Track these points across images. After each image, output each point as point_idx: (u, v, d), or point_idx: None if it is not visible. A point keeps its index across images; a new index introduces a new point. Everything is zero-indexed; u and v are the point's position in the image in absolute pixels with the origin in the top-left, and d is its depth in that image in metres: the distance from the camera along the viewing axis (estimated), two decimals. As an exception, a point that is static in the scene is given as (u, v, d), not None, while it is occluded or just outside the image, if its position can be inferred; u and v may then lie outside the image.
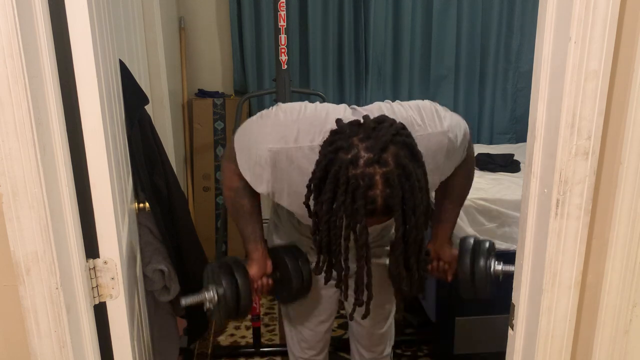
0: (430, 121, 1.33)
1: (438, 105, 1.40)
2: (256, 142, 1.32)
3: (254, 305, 2.51)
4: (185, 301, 1.44)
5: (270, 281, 1.54)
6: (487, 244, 1.51)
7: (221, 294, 1.41)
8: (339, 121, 1.18)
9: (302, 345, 1.77)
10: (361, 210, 1.08)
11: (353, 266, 1.19)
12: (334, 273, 1.24)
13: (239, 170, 1.40)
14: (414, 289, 1.23)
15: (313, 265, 1.32)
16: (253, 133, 1.35)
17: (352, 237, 1.12)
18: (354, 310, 1.27)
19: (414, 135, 1.23)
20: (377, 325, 1.76)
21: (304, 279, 1.49)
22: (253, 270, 1.51)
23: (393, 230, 1.14)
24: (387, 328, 1.80)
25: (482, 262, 1.47)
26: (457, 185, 1.53)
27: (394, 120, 1.16)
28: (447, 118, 1.36)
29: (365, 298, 1.22)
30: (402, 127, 1.16)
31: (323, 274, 1.28)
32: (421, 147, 1.23)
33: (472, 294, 1.50)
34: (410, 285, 1.21)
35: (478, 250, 1.49)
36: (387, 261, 1.53)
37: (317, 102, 1.41)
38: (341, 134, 1.14)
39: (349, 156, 1.08)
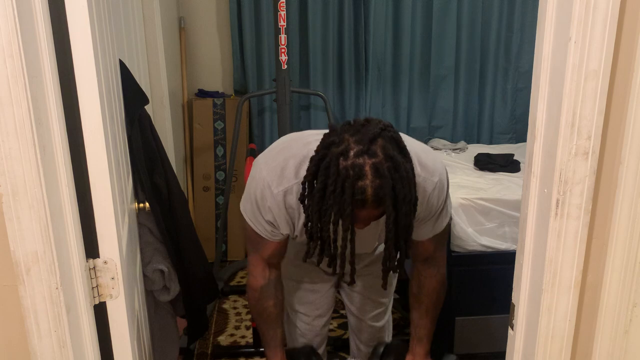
0: (425, 165, 1.33)
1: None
2: (261, 196, 1.34)
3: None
4: None
5: None
6: None
7: None
8: (331, 124, 1.23)
9: (300, 341, 1.78)
10: (348, 200, 1.11)
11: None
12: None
13: (264, 255, 1.44)
14: (400, 268, 1.30)
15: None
16: (254, 191, 1.37)
17: (340, 222, 1.15)
18: (342, 278, 1.34)
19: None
20: (374, 318, 1.79)
21: None
22: None
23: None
24: (385, 322, 1.82)
25: None
26: (431, 291, 1.54)
27: (381, 119, 1.20)
28: (439, 173, 1.36)
29: (349, 272, 1.29)
30: (389, 124, 1.19)
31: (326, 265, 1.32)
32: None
33: None
34: (398, 264, 1.28)
35: None
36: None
37: (295, 132, 1.47)
38: (333, 132, 1.18)
39: (340, 149, 1.13)
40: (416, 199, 1.19)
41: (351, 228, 1.15)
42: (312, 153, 1.24)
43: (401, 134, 1.32)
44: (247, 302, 3.00)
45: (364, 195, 1.11)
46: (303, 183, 1.21)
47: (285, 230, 1.39)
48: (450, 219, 1.51)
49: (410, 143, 1.28)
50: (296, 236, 1.42)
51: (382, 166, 1.10)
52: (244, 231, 1.50)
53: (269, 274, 1.49)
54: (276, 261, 1.50)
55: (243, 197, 1.44)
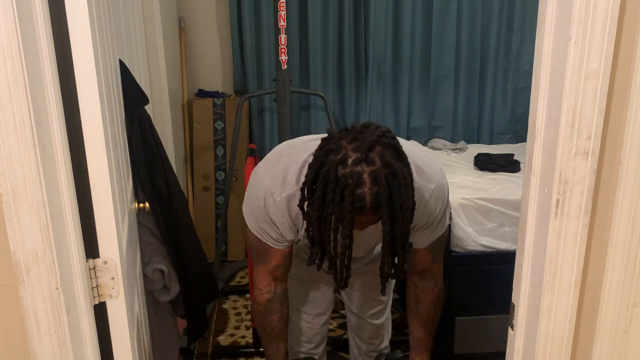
0: (421, 174, 1.34)
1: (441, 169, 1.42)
2: (265, 204, 1.34)
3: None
4: None
5: None
6: None
7: None
8: (329, 129, 1.23)
9: (300, 339, 1.79)
10: (348, 207, 1.12)
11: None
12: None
13: (270, 266, 1.43)
14: (397, 273, 1.29)
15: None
16: (256, 199, 1.37)
17: (340, 229, 1.16)
18: (339, 283, 1.32)
19: None
20: (374, 316, 1.79)
21: None
22: None
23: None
24: (384, 320, 1.83)
25: None
26: (428, 305, 1.54)
27: (379, 124, 1.20)
28: (435, 181, 1.37)
29: (344, 276, 1.28)
30: (387, 130, 1.19)
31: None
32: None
33: None
34: (394, 269, 1.28)
35: None
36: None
37: (291, 139, 1.47)
38: (331, 139, 1.18)
39: (338, 157, 1.13)
40: (414, 204, 1.19)
41: (350, 235, 1.16)
42: (312, 158, 1.24)
43: (402, 140, 1.32)
44: (247, 302, 3.00)
45: (363, 202, 1.12)
46: (302, 189, 1.21)
47: (289, 236, 1.39)
48: (449, 227, 1.51)
49: (410, 149, 1.27)
50: (299, 240, 1.42)
51: (379, 174, 1.11)
52: (247, 242, 1.50)
53: (275, 288, 1.48)
54: (282, 273, 1.48)
55: (245, 206, 1.43)
